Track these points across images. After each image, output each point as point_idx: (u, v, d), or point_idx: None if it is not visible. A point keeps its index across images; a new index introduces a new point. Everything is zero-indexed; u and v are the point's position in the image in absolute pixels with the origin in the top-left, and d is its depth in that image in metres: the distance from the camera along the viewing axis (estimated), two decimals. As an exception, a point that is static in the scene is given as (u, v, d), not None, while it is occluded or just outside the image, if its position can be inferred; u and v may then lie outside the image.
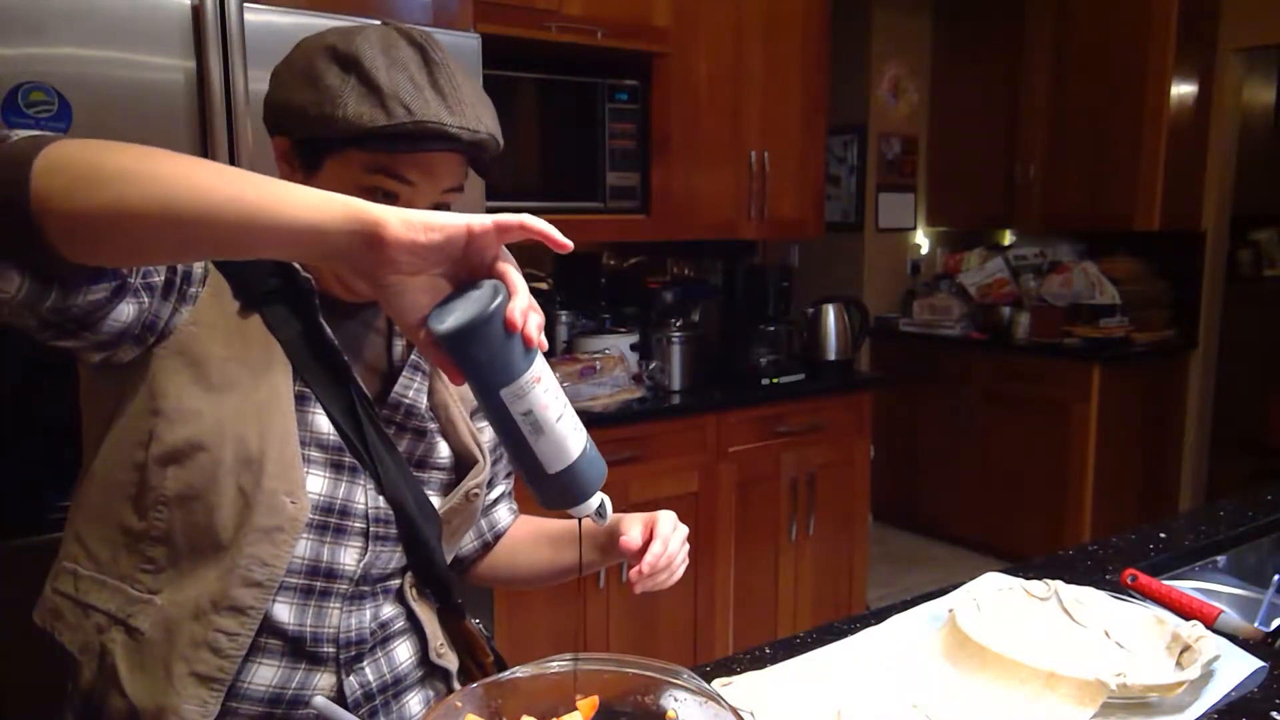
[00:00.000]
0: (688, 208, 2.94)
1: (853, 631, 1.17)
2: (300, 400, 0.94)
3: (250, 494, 0.89)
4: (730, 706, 0.84)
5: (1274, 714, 0.97)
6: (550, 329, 2.93)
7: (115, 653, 0.91)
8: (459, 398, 1.09)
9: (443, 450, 1.06)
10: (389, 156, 0.88)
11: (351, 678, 0.98)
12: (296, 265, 0.94)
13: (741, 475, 2.87)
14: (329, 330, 0.96)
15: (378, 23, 0.94)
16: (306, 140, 0.90)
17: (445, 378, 1.07)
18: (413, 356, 1.04)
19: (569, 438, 0.76)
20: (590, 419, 2.55)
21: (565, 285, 3.16)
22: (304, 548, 0.93)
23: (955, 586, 1.29)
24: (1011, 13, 4.26)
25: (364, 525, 0.97)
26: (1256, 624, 1.18)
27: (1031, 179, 4.26)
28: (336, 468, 0.96)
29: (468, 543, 1.19)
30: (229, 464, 0.89)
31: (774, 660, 1.10)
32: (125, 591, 0.92)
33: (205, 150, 1.68)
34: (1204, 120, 4.00)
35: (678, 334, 2.91)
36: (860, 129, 4.49)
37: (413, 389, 1.03)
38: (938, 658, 1.09)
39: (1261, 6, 3.85)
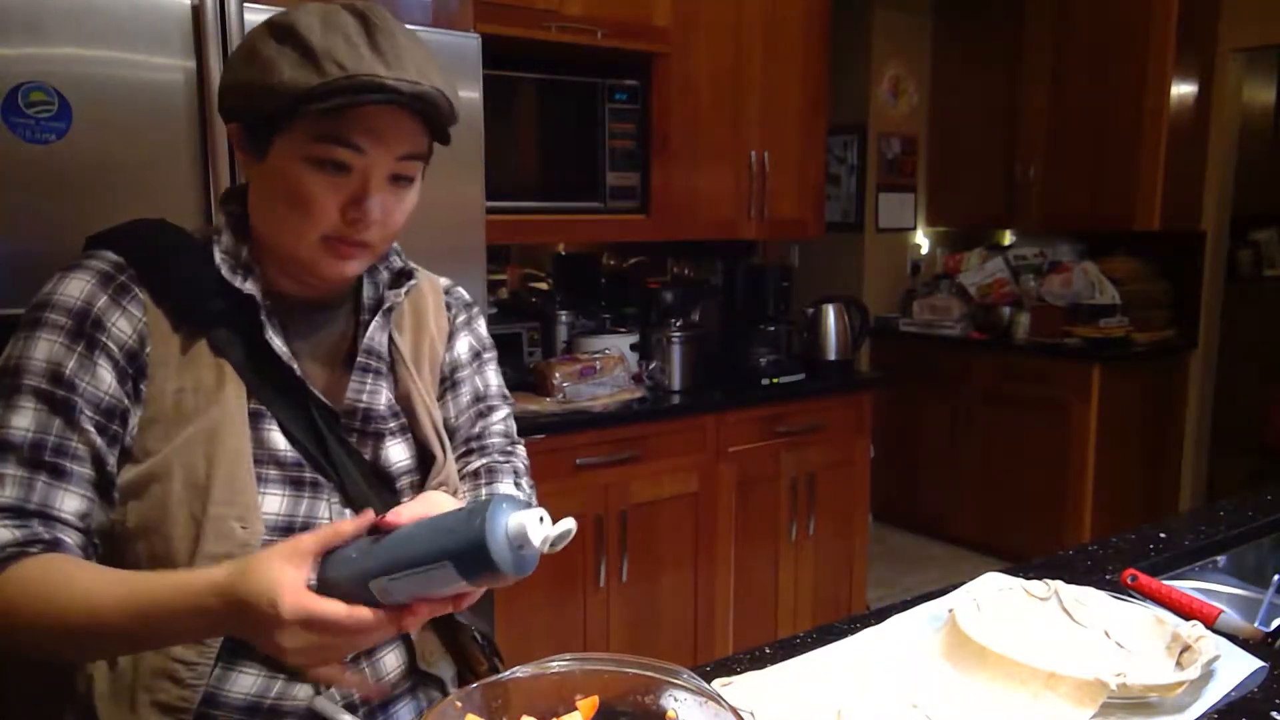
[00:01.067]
0: (688, 208, 2.94)
1: (853, 631, 1.17)
2: (255, 418, 0.93)
3: (200, 520, 0.88)
4: (730, 706, 0.84)
5: (1274, 714, 0.97)
6: (550, 329, 2.93)
7: (96, 680, 0.91)
8: (428, 386, 1.06)
9: (398, 453, 1.02)
10: (333, 122, 0.85)
11: (333, 688, 0.96)
12: (238, 281, 0.92)
13: (741, 475, 2.87)
14: (279, 344, 0.94)
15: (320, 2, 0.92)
16: (254, 122, 0.89)
17: (410, 367, 1.03)
18: (360, 358, 1.00)
19: (446, 587, 0.77)
20: (590, 419, 2.55)
21: (565, 285, 3.17)
22: None
23: (955, 586, 1.29)
24: (1011, 13, 4.26)
25: None
26: (1256, 624, 1.18)
27: (1031, 179, 4.26)
28: (296, 484, 0.94)
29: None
30: (178, 493, 0.88)
31: (774, 660, 1.10)
32: None
33: (205, 150, 1.67)
34: (1204, 120, 4.00)
35: (678, 334, 2.91)
36: (860, 129, 4.49)
37: (365, 392, 0.99)
38: (938, 658, 1.09)
39: (1261, 6, 3.85)
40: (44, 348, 0.86)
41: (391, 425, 1.01)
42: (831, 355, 3.30)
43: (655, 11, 2.78)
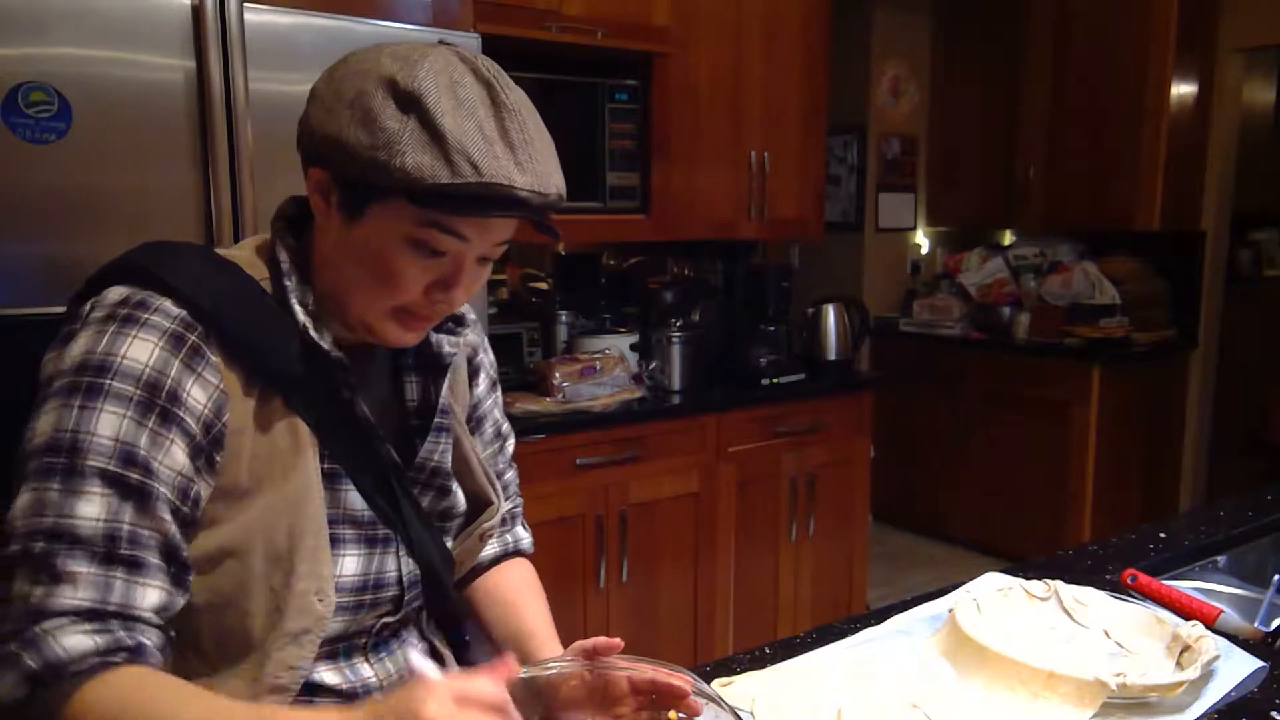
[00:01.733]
0: (688, 208, 2.94)
1: (853, 631, 1.17)
2: (331, 479, 0.89)
3: (281, 595, 0.84)
4: (730, 707, 0.85)
5: (1274, 714, 0.97)
6: (550, 329, 2.93)
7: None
8: (465, 430, 1.06)
9: (461, 501, 1.02)
10: (443, 214, 0.80)
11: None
12: (325, 342, 0.87)
13: (741, 475, 2.87)
14: (362, 405, 0.90)
15: (436, 44, 0.83)
16: (351, 181, 0.81)
17: (455, 412, 1.02)
18: (437, 419, 0.98)
19: None
20: (590, 419, 2.55)
21: (565, 285, 3.17)
22: (340, 626, 0.91)
23: (955, 586, 1.29)
24: (1011, 12, 4.26)
25: (397, 592, 0.95)
26: (1256, 624, 1.18)
27: (1031, 179, 4.26)
28: (370, 542, 0.93)
29: (489, 550, 1.13)
30: (259, 568, 0.84)
31: (774, 660, 1.10)
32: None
33: (205, 150, 1.67)
34: (1204, 120, 4.00)
35: (678, 334, 2.91)
36: (860, 129, 4.49)
37: (439, 450, 0.98)
38: (938, 658, 1.09)
39: (1261, 6, 3.85)
40: (110, 422, 0.76)
41: (450, 477, 1.01)
42: (831, 355, 3.29)
43: (655, 11, 2.78)
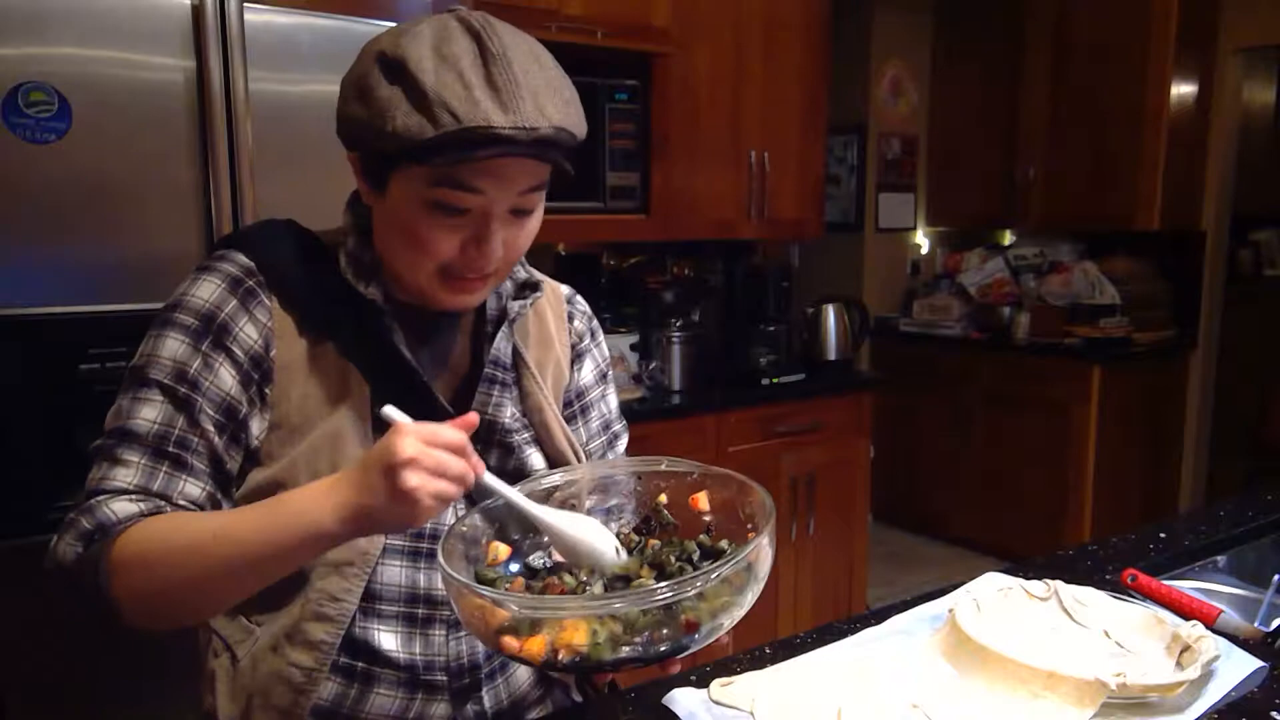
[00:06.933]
0: (688, 208, 2.94)
1: (853, 631, 1.17)
2: (381, 424, 0.91)
3: None
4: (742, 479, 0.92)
5: (1274, 714, 0.97)
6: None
7: (219, 677, 0.94)
8: (554, 398, 1.06)
9: (536, 461, 1.02)
10: (450, 168, 0.82)
11: (468, 706, 0.97)
12: (361, 286, 0.92)
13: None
14: (406, 352, 0.93)
15: (442, 12, 0.87)
16: (368, 156, 0.87)
17: (539, 380, 1.03)
18: (487, 369, 0.99)
19: None
20: (590, 419, 2.55)
21: (565, 285, 3.16)
22: (397, 574, 0.93)
23: (955, 586, 1.29)
24: (1011, 13, 4.26)
25: None
26: (1256, 624, 1.18)
27: (1031, 179, 4.26)
28: None
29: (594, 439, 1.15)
30: None
31: (774, 660, 1.10)
32: (240, 622, 0.94)
33: (205, 150, 1.67)
34: (1204, 120, 4.00)
35: (678, 334, 2.91)
36: (860, 129, 4.49)
37: (491, 404, 0.99)
38: (938, 658, 1.09)
39: (1261, 6, 3.85)
40: (171, 346, 0.89)
41: (520, 437, 1.01)
42: (831, 355, 3.30)
43: (655, 11, 2.78)
